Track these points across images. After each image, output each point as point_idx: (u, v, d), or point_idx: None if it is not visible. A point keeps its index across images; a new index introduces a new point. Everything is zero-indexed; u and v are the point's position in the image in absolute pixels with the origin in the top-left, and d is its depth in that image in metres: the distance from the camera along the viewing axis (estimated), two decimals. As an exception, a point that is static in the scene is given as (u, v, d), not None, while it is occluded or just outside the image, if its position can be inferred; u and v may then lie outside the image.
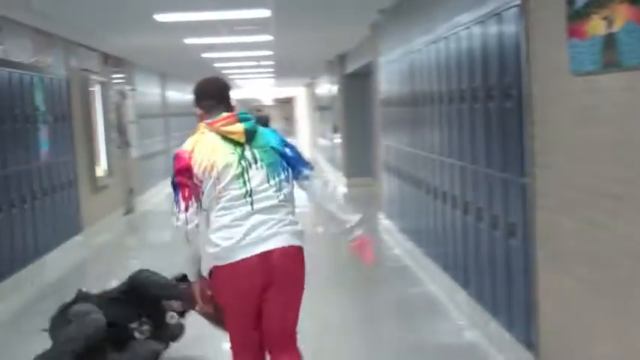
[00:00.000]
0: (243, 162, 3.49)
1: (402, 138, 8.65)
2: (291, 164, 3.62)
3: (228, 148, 3.51)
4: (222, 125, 3.53)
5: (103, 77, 12.32)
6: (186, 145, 3.59)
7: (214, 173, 3.47)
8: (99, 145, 12.02)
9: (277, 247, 3.42)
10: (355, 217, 3.62)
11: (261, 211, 3.44)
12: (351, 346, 5.58)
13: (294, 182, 3.65)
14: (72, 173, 9.81)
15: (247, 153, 3.51)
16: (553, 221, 4.27)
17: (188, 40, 11.80)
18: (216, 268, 3.48)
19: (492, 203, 5.21)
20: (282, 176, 3.55)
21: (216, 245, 3.43)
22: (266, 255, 3.39)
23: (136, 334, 4.88)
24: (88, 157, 10.90)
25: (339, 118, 16.89)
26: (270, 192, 3.48)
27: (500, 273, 5.12)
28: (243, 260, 3.38)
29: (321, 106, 23.33)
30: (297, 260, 3.49)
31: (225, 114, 3.58)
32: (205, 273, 3.61)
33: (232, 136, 3.51)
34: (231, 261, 3.40)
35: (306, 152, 29.41)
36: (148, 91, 16.63)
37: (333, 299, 6.87)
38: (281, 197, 3.50)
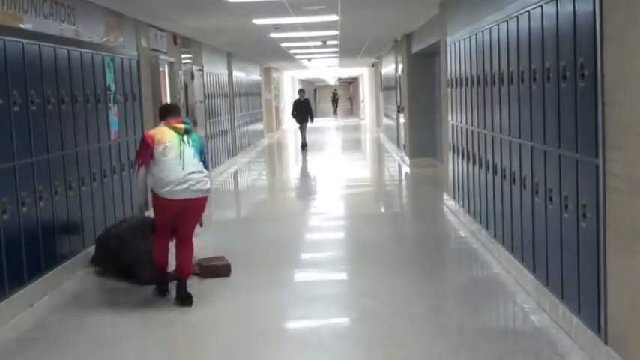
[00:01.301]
0: (181, 144, 6.17)
1: (469, 118, 8.57)
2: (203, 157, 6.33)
3: (174, 136, 6.19)
4: (175, 123, 6.28)
5: (172, 57, 12.48)
6: (152, 132, 6.33)
7: (165, 147, 6.12)
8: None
9: (194, 197, 6.16)
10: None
11: (188, 173, 6.10)
12: (415, 328, 5.57)
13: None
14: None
15: (184, 140, 6.20)
16: (624, 203, 4.19)
17: (257, 21, 11.86)
18: (159, 198, 6.16)
19: (563, 184, 5.12)
20: (200, 157, 6.23)
21: (163, 188, 6.09)
22: (188, 200, 6.13)
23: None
24: (157, 136, 11.04)
25: (404, 98, 16.80)
26: (195, 163, 6.17)
27: (569, 255, 5.05)
28: (176, 199, 6.12)
29: (385, 86, 23.22)
30: (203, 204, 6.32)
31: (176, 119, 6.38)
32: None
33: (178, 130, 6.22)
34: (170, 198, 6.10)
35: (370, 133, 29.40)
36: (215, 71, 16.79)
37: (398, 282, 6.86)
38: (200, 167, 6.20)
